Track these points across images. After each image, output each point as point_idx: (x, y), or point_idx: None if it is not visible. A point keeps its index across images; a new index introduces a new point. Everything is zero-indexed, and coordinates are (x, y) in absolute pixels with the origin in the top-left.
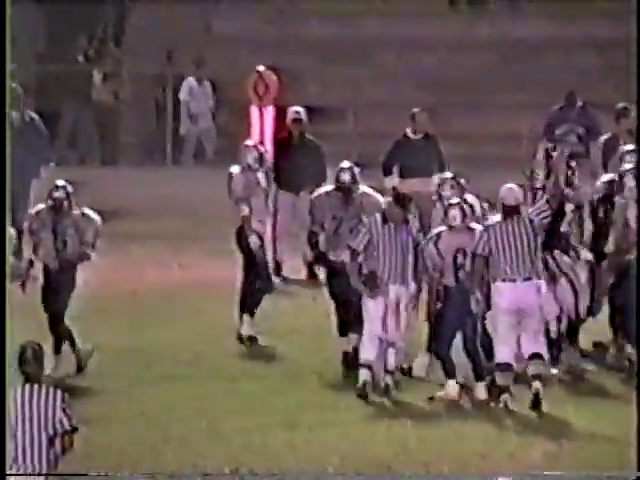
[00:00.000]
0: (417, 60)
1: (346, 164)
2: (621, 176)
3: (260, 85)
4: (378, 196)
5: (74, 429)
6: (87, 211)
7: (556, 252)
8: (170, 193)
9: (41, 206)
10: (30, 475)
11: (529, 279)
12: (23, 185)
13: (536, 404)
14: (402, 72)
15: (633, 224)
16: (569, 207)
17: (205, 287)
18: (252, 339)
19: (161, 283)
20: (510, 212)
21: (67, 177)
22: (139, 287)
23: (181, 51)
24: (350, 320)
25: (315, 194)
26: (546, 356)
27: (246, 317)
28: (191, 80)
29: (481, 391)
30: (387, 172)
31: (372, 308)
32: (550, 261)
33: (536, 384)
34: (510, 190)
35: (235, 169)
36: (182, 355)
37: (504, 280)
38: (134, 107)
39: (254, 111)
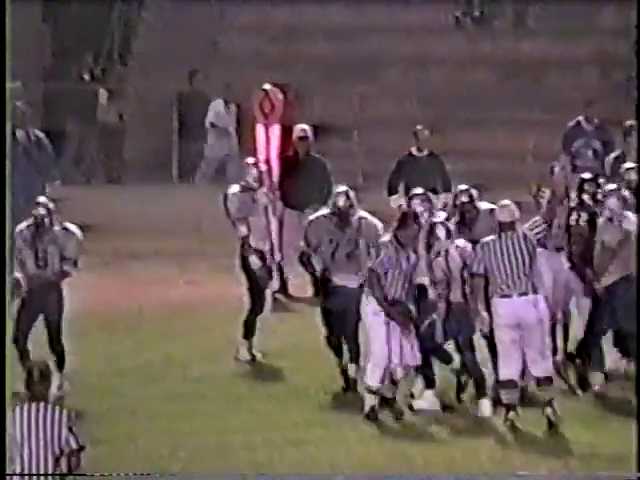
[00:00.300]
0: (422, 77)
1: (341, 188)
2: (605, 196)
3: (266, 103)
4: (376, 221)
5: (81, 448)
6: (68, 225)
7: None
8: (176, 211)
9: (24, 224)
10: (30, 475)
11: (525, 294)
12: (27, 203)
13: (551, 427)
14: (407, 89)
15: (611, 246)
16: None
17: (212, 304)
18: (253, 359)
19: (167, 300)
20: (505, 228)
21: (72, 195)
22: (145, 304)
23: (187, 69)
24: (342, 345)
25: (311, 217)
26: (555, 377)
27: (242, 341)
28: (219, 102)
29: (486, 407)
30: (392, 191)
31: (377, 332)
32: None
33: (548, 410)
34: (505, 207)
35: (233, 189)
36: (189, 373)
37: (501, 296)
38: (140, 125)
39: (260, 129)
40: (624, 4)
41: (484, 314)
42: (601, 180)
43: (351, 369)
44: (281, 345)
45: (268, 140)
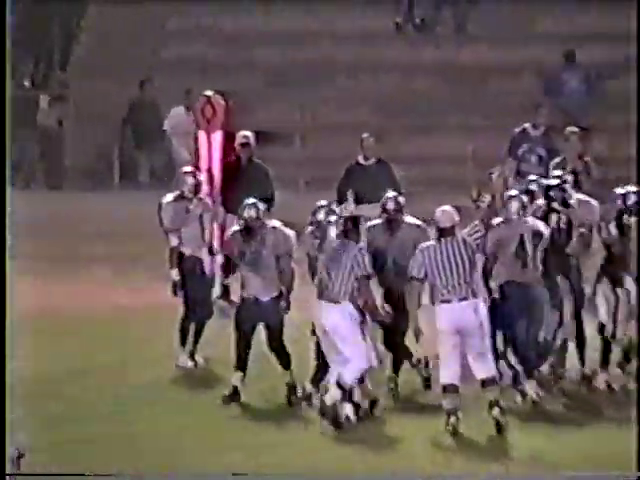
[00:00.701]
0: (365, 84)
1: (250, 200)
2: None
3: (208, 109)
4: (287, 231)
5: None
6: None
7: (559, 277)
8: (118, 216)
9: None
10: (30, 475)
11: (465, 299)
12: None
13: (499, 430)
14: (350, 96)
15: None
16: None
17: (153, 310)
18: (195, 366)
19: (109, 306)
20: (445, 234)
21: (12, 201)
22: (87, 309)
23: (129, 74)
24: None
25: (228, 232)
26: (498, 377)
27: (180, 348)
28: (180, 109)
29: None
30: (341, 199)
31: (355, 335)
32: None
33: (495, 411)
34: (445, 212)
35: (167, 198)
36: (129, 378)
37: (442, 301)
38: (81, 131)
39: (202, 136)
40: (564, 11)
41: (418, 320)
42: (567, 185)
43: (287, 377)
44: (224, 352)
45: (210, 146)
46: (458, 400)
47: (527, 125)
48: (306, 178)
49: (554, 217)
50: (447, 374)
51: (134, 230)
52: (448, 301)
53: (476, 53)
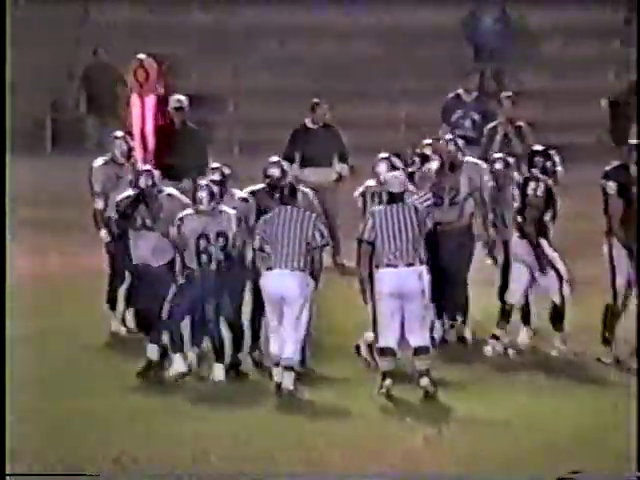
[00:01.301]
0: (300, 48)
1: (145, 167)
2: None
3: (140, 73)
4: (182, 197)
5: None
6: None
7: (542, 240)
8: (52, 182)
9: None
10: (30, 475)
11: (411, 265)
12: None
13: (426, 397)
14: (284, 60)
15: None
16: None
17: (89, 276)
18: (127, 330)
19: (45, 271)
20: (395, 199)
21: None
22: (22, 275)
23: (61, 38)
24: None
25: (117, 198)
26: (431, 347)
27: (110, 313)
28: (99, 161)
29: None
30: (288, 161)
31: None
32: (538, 250)
33: (424, 380)
34: (395, 177)
35: (98, 162)
36: (65, 345)
37: (387, 265)
38: (15, 95)
39: (135, 99)
40: None
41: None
42: (552, 151)
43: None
44: None
45: (143, 110)
46: (393, 364)
47: (460, 90)
48: (240, 142)
49: (532, 184)
50: (385, 337)
51: (70, 196)
52: (394, 266)
53: (411, 16)
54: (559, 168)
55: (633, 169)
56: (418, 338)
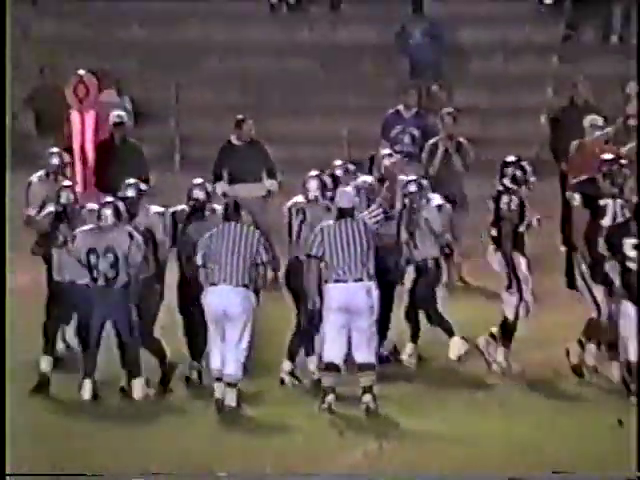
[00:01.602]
0: (240, 64)
1: (66, 182)
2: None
3: (81, 88)
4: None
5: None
6: None
7: (519, 257)
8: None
9: None
10: (30, 475)
11: (360, 280)
12: None
13: (367, 414)
14: (225, 76)
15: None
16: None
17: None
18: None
19: None
20: (344, 214)
21: None
22: None
23: None
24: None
25: (38, 216)
26: (376, 365)
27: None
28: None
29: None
30: (217, 178)
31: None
32: (509, 266)
33: (366, 397)
34: (345, 193)
35: (34, 177)
36: None
37: (335, 281)
38: None
39: (75, 115)
40: None
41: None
42: (524, 162)
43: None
44: None
45: (83, 126)
46: (337, 380)
47: (400, 107)
48: (181, 156)
49: (505, 198)
50: (330, 353)
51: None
52: (344, 281)
53: (350, 33)
54: (532, 178)
55: (603, 183)
56: (362, 355)
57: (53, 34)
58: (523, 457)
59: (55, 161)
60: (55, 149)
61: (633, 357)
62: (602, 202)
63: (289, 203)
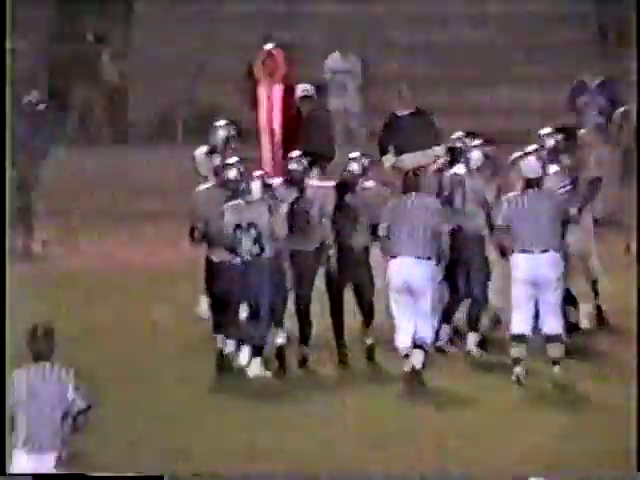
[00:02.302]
0: (428, 36)
1: (232, 159)
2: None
3: (269, 63)
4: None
5: (88, 407)
6: None
7: None
8: (182, 172)
9: None
10: (30, 475)
11: (546, 251)
12: (32, 167)
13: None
14: (409, 48)
15: None
16: None
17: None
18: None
19: (173, 262)
20: (531, 184)
21: (77, 157)
22: (151, 266)
23: (189, 29)
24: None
25: (196, 189)
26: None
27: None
28: (335, 55)
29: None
30: (383, 152)
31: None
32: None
33: (555, 368)
34: (530, 163)
35: (201, 149)
36: (174, 336)
37: (522, 251)
38: (144, 86)
39: (261, 90)
40: None
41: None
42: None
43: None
44: None
45: (270, 101)
46: (525, 350)
47: (585, 77)
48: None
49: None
50: (518, 324)
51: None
52: (530, 252)
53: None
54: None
55: None
56: (552, 325)
57: (244, 8)
58: None
59: (222, 134)
60: (222, 122)
61: None
62: None
63: (448, 173)
